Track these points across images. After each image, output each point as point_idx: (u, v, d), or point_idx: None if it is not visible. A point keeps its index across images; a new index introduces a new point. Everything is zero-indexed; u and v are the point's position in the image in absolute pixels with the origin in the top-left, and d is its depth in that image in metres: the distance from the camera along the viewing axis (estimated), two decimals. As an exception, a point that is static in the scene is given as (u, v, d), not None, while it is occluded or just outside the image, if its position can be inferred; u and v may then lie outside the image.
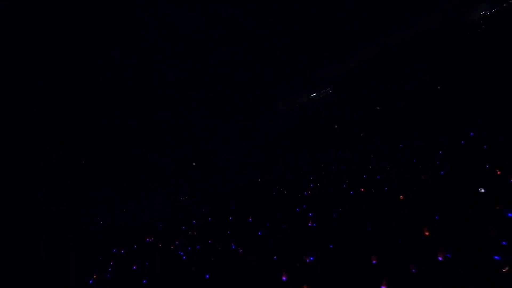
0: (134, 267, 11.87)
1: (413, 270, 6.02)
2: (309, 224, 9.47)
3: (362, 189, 11.11)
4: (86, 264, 15.08)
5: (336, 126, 21.08)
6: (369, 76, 22.38)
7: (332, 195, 11.61)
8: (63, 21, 20.14)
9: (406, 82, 19.35)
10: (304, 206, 11.57)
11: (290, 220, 10.71)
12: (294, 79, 24.86)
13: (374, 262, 6.82)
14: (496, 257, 5.24)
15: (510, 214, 6.49)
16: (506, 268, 5.31)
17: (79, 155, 22.85)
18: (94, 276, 13.73)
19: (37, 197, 20.10)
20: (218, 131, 25.09)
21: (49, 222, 19.19)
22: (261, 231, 10.78)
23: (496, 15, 19.38)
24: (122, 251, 15.01)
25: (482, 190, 7.86)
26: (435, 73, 18.61)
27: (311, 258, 7.69)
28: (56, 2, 19.55)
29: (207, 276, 9.17)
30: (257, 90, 25.13)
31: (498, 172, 8.06)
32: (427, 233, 6.85)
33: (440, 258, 6.04)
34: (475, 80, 16.14)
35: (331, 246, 7.77)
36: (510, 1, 18.90)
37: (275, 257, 8.64)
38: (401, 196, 9.16)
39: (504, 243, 5.77)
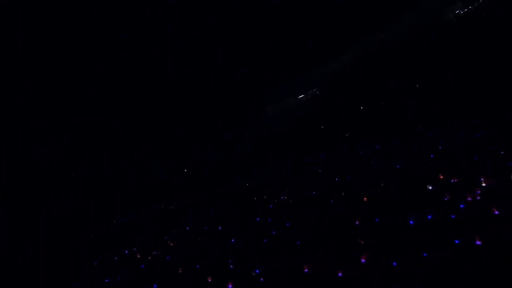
0: (106, 280, 11.98)
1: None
2: (265, 240, 9.55)
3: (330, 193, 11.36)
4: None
5: (322, 127, 21.48)
6: (352, 76, 22.84)
7: (304, 201, 11.81)
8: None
9: (389, 82, 19.87)
10: (271, 214, 11.75)
11: (256, 230, 10.85)
12: (282, 81, 25.14)
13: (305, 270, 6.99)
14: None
15: (430, 217, 6.81)
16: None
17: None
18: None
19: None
20: (207, 136, 25.18)
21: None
22: (232, 240, 10.87)
23: (469, 13, 20.90)
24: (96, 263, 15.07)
25: (430, 187, 8.26)
26: (417, 73, 19.16)
27: (257, 271, 7.79)
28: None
29: (155, 286, 9.34)
30: (245, 93, 25.28)
31: (441, 177, 8.16)
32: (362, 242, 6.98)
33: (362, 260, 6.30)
34: (456, 80, 16.66)
35: (257, 271, 7.85)
36: (480, 1, 20.26)
37: (231, 266, 8.76)
38: (364, 198, 9.37)
39: None
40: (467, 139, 11.91)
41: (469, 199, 7.03)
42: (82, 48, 21.21)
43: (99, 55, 21.78)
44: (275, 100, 26.12)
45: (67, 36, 20.58)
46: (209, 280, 8.31)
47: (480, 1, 20.62)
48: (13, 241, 17.19)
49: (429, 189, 8.24)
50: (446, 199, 7.48)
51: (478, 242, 5.30)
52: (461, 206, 6.91)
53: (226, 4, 21.43)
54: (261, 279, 7.46)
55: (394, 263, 6.04)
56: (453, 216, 6.65)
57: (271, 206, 12.62)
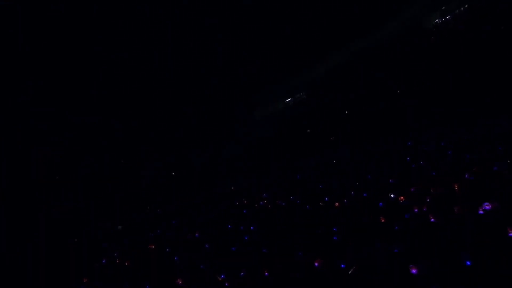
0: None
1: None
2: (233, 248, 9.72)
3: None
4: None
5: (308, 131, 21.94)
6: (338, 80, 23.27)
7: (280, 207, 12.00)
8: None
9: (374, 87, 20.41)
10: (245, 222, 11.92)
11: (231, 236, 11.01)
12: (270, 85, 25.32)
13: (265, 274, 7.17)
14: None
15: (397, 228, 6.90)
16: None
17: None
18: None
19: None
20: (195, 139, 25.25)
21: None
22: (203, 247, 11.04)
23: (446, 23, 22.50)
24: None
25: (392, 195, 8.50)
26: (400, 78, 19.70)
27: (222, 276, 7.97)
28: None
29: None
30: (233, 97, 25.38)
31: (401, 198, 8.24)
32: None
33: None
34: (436, 85, 17.25)
35: (222, 276, 8.04)
36: (456, 11, 21.76)
37: (201, 265, 8.97)
38: (336, 204, 9.50)
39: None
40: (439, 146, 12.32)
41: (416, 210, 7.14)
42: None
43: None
44: (263, 104, 26.36)
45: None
46: (179, 282, 8.47)
47: (456, 11, 21.90)
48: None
49: (391, 197, 8.43)
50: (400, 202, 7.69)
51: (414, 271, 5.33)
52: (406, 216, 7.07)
53: (214, 8, 21.49)
54: (226, 284, 7.69)
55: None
56: (396, 227, 6.78)
57: (245, 211, 12.89)
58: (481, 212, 5.53)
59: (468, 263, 4.79)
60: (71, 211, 20.54)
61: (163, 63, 23.35)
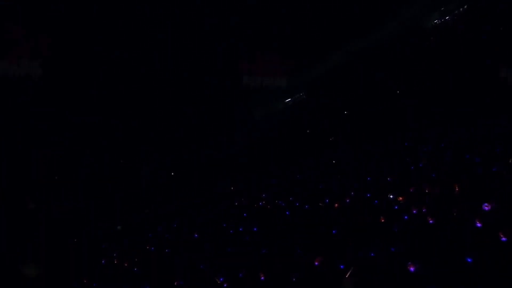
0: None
1: None
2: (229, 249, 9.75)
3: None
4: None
5: (308, 131, 21.94)
6: (338, 81, 23.22)
7: (280, 207, 12.01)
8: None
9: (374, 87, 20.43)
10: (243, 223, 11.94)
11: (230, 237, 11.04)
12: (269, 85, 25.17)
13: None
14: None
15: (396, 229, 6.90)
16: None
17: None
18: None
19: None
20: (194, 139, 25.21)
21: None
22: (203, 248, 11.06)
23: (446, 23, 22.29)
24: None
25: (391, 196, 8.48)
26: (400, 78, 19.73)
27: (221, 279, 7.99)
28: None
29: None
30: (232, 96, 25.30)
31: (400, 198, 8.25)
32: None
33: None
34: (435, 86, 17.28)
35: (221, 279, 8.09)
36: (455, 12, 21.63)
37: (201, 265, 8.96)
38: (336, 204, 9.51)
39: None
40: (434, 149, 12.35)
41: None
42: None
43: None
44: (263, 104, 26.26)
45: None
46: (177, 284, 8.49)
47: (456, 12, 21.79)
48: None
49: (390, 197, 8.44)
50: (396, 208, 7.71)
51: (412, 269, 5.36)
52: (405, 217, 7.06)
53: (214, 8, 21.46)
54: (225, 285, 7.70)
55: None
56: (395, 229, 6.79)
57: (245, 214, 12.92)
58: (478, 225, 5.48)
59: (469, 260, 4.80)
60: (71, 211, 20.54)
61: (163, 63, 23.32)
